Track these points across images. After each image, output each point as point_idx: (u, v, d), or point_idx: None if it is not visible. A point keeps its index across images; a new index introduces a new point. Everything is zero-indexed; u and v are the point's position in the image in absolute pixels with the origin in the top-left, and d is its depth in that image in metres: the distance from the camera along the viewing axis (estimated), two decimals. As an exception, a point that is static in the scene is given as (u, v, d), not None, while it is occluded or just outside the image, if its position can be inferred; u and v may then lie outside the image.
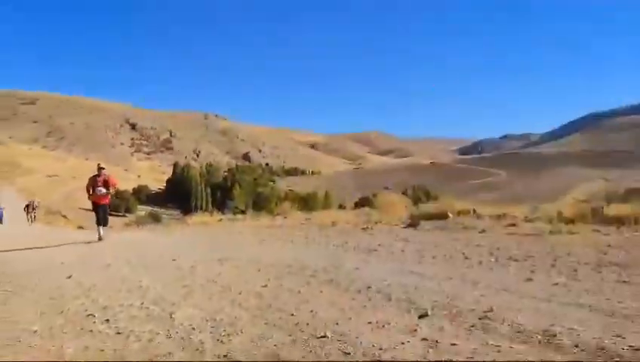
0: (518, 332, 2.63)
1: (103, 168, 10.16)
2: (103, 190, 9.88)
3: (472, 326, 2.76)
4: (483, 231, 7.02)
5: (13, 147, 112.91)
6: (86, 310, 3.66)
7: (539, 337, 2.53)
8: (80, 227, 27.71)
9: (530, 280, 3.87)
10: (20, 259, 7.35)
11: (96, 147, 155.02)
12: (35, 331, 3.18)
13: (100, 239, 9.65)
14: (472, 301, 3.28)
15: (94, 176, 9.97)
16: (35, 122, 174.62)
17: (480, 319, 2.87)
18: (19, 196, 46.12)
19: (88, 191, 9.95)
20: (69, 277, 5.18)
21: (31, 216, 25.95)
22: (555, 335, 2.53)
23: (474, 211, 9.15)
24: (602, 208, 7.67)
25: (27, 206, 26.82)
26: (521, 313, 2.95)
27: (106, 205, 10.18)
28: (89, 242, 9.60)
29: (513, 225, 7.32)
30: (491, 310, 2.99)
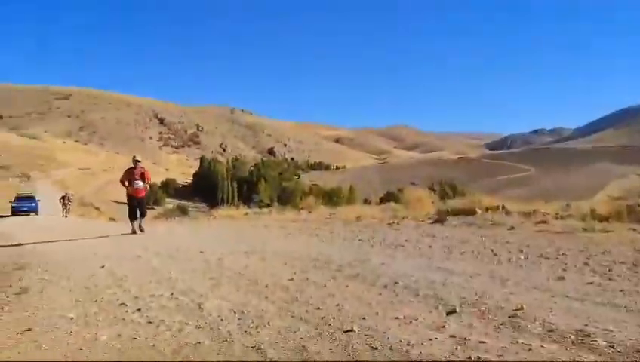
0: (550, 331, 2.57)
1: (139, 161, 9.80)
2: (140, 183, 9.54)
3: (502, 324, 2.71)
4: (512, 227, 6.88)
5: (49, 141, 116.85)
6: (118, 299, 3.77)
7: (572, 337, 2.47)
8: (112, 219, 28.55)
9: (562, 278, 3.77)
10: (56, 250, 7.62)
11: (125, 141, 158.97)
12: (72, 318, 3.30)
13: (134, 232, 9.42)
14: (502, 298, 3.23)
15: (130, 169, 9.65)
16: (68, 117, 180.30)
17: (510, 317, 2.82)
18: (53, 189, 47.75)
19: (123, 183, 9.59)
20: (102, 267, 5.34)
21: (66, 208, 26.70)
22: (588, 336, 2.46)
23: (502, 207, 8.97)
24: (639, 206, 7.40)
25: (62, 198, 27.60)
26: (552, 312, 2.88)
27: (143, 198, 9.87)
28: (122, 234, 9.52)
29: (544, 222, 7.14)
30: (521, 308, 2.93)
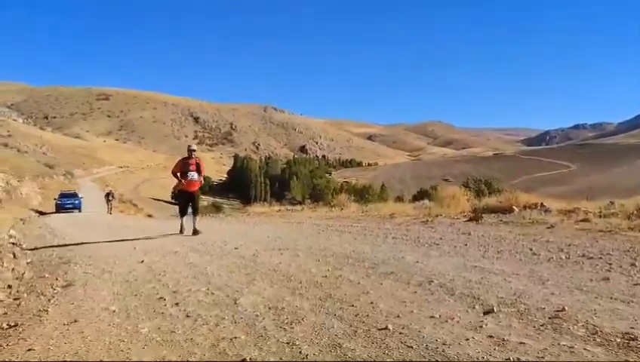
0: (594, 334, 2.48)
1: (194, 150, 8.69)
2: (196, 176, 8.45)
3: (542, 326, 2.63)
4: (552, 226, 6.64)
5: (90, 140, 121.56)
6: (157, 293, 3.89)
7: (617, 340, 2.37)
8: (149, 215, 29.41)
9: (606, 279, 3.62)
10: (99, 244, 7.92)
11: (162, 140, 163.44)
12: (114, 311, 3.43)
13: (181, 231, 8.46)
14: (542, 299, 3.13)
15: (184, 159, 8.54)
16: (108, 116, 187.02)
17: (551, 318, 2.73)
18: (94, 186, 49.66)
19: (175, 175, 8.49)
20: (141, 262, 5.52)
21: (110, 205, 27.43)
22: (635, 339, 2.36)
23: (541, 205, 8.67)
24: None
25: (107, 194, 28.37)
26: (596, 314, 2.77)
27: (197, 193, 8.73)
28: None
29: (585, 220, 6.86)
30: (563, 309, 2.84)
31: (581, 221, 6.83)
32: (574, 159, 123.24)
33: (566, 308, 2.86)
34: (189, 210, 8.69)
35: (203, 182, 8.83)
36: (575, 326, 2.58)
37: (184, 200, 8.68)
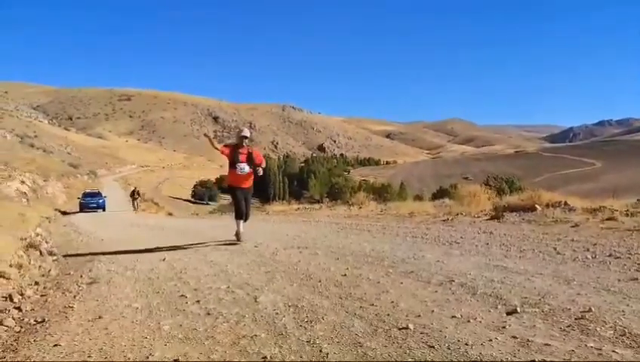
0: (622, 335, 2.40)
1: (247, 137, 6.87)
2: (247, 168, 6.72)
3: (568, 327, 2.56)
4: (576, 224, 6.49)
5: (113, 140, 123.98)
6: (179, 291, 3.94)
7: (648, 342, 2.29)
8: (170, 214, 29.79)
9: (635, 279, 3.51)
10: (123, 243, 8.07)
11: (182, 139, 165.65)
12: (137, 308, 3.48)
13: (238, 239, 6.74)
14: (567, 299, 3.06)
15: (234, 147, 6.82)
16: (130, 117, 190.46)
17: (577, 319, 2.66)
18: (118, 185, 50.64)
19: (224, 153, 6.82)
20: (163, 260, 5.60)
21: (136, 204, 27.49)
22: (667, 342, 2.28)
23: (565, 203, 8.48)
24: None
25: (133, 192, 28.47)
26: (625, 315, 2.69)
27: (250, 191, 7.02)
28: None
29: (612, 219, 6.67)
30: (590, 310, 2.76)
31: (607, 220, 6.65)
32: (599, 156, 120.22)
33: (593, 308, 2.79)
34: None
35: (261, 171, 6.81)
36: (602, 328, 2.51)
37: (239, 195, 6.82)
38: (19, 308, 3.65)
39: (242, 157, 6.74)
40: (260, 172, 6.79)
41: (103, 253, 6.60)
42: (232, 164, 6.74)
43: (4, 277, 4.57)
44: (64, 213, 22.77)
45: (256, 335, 2.73)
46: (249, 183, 6.93)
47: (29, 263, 5.69)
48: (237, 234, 6.80)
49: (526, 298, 3.13)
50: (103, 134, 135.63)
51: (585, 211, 7.63)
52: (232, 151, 6.78)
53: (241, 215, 6.81)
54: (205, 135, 7.26)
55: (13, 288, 4.33)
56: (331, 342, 2.56)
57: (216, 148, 6.87)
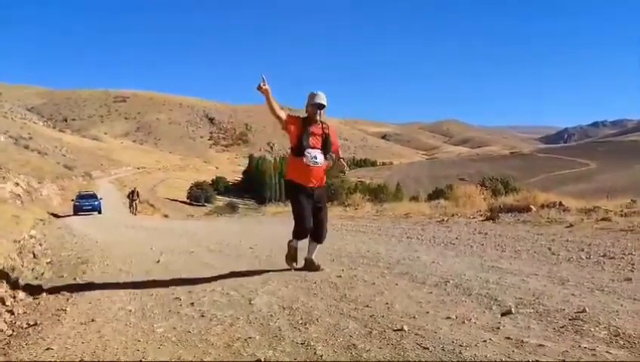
0: (616, 336, 2.41)
1: (324, 106, 4.38)
2: (321, 157, 4.37)
3: (562, 327, 2.56)
4: (571, 225, 6.52)
5: (108, 142, 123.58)
6: (173, 293, 3.92)
7: (641, 342, 2.30)
8: (165, 216, 29.72)
9: (628, 280, 3.53)
10: (116, 244, 8.03)
11: (177, 141, 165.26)
12: (130, 310, 3.46)
13: (294, 261, 4.59)
14: (561, 300, 3.06)
15: (303, 122, 4.41)
16: (126, 118, 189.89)
17: (571, 320, 2.67)
18: (113, 188, 50.45)
19: (288, 130, 4.38)
20: (157, 261, 5.58)
21: (135, 205, 26.13)
22: (660, 342, 2.28)
23: (560, 204, 8.52)
24: None
25: (131, 193, 26.82)
26: (619, 315, 2.69)
27: (322, 193, 4.53)
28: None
29: (606, 219, 6.71)
30: (584, 311, 2.77)
31: (601, 220, 6.68)
32: (594, 157, 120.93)
33: (587, 309, 2.79)
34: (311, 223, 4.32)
35: (337, 169, 4.74)
36: (597, 328, 2.52)
37: (304, 200, 4.30)
38: (11, 311, 3.62)
39: (315, 139, 4.33)
40: (345, 166, 4.58)
41: (98, 255, 6.56)
42: (299, 150, 4.31)
43: (-4, 280, 4.53)
44: (57, 217, 22.04)
45: (250, 338, 2.72)
46: (322, 181, 4.43)
47: (22, 266, 5.65)
48: (292, 254, 4.54)
49: (521, 298, 3.13)
50: (98, 136, 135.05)
51: (579, 212, 7.67)
52: (300, 129, 4.32)
53: (303, 232, 4.30)
54: (261, 87, 4.17)
55: (6, 291, 4.29)
56: (326, 343, 2.55)
57: (277, 116, 4.30)
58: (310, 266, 4.49)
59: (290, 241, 4.54)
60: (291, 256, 4.59)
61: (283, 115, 4.34)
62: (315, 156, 4.32)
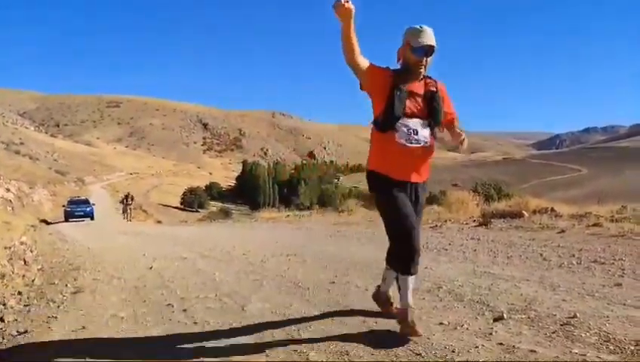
0: (607, 341, 2.43)
1: (433, 50, 2.66)
2: (424, 132, 2.70)
3: (554, 333, 2.58)
4: (562, 231, 6.57)
5: (101, 147, 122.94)
6: (165, 300, 3.90)
7: (631, 348, 2.32)
8: (158, 221, 29.55)
9: (619, 285, 3.56)
10: (108, 251, 7.98)
11: (171, 146, 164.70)
12: (122, 317, 3.44)
13: (388, 302, 3.11)
14: (553, 305, 3.08)
15: (394, 78, 2.67)
16: (119, 123, 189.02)
17: (562, 325, 2.69)
18: (106, 193, 50.11)
19: (370, 76, 2.68)
20: (150, 268, 5.55)
21: (129, 210, 25.27)
22: (650, 347, 2.30)
23: (552, 210, 8.58)
24: None
25: (125, 198, 25.93)
26: (609, 321, 2.72)
27: (423, 191, 2.88)
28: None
29: (597, 225, 6.76)
30: (575, 316, 2.79)
31: (592, 226, 6.74)
32: (585, 163, 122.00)
33: (578, 314, 2.81)
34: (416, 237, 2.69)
35: (465, 145, 2.94)
36: (587, 334, 2.54)
37: (406, 202, 2.72)
38: (1, 319, 3.58)
39: (415, 103, 2.72)
40: (465, 143, 2.94)
41: (89, 262, 6.51)
42: (388, 120, 2.68)
43: (-14, 287, 4.49)
44: (47, 223, 21.33)
45: (243, 344, 2.71)
46: (425, 173, 2.90)
47: (13, 273, 5.59)
48: (385, 298, 3.14)
49: (513, 304, 3.15)
50: (91, 141, 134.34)
51: (571, 217, 7.72)
52: (390, 86, 2.68)
53: (411, 252, 2.68)
54: (342, 4, 2.47)
55: (-4, 298, 4.25)
56: (318, 350, 2.55)
57: (354, 62, 2.65)
58: (403, 317, 2.68)
59: (402, 279, 2.73)
60: (385, 297, 3.11)
61: (364, 62, 2.68)
62: (417, 130, 2.68)
